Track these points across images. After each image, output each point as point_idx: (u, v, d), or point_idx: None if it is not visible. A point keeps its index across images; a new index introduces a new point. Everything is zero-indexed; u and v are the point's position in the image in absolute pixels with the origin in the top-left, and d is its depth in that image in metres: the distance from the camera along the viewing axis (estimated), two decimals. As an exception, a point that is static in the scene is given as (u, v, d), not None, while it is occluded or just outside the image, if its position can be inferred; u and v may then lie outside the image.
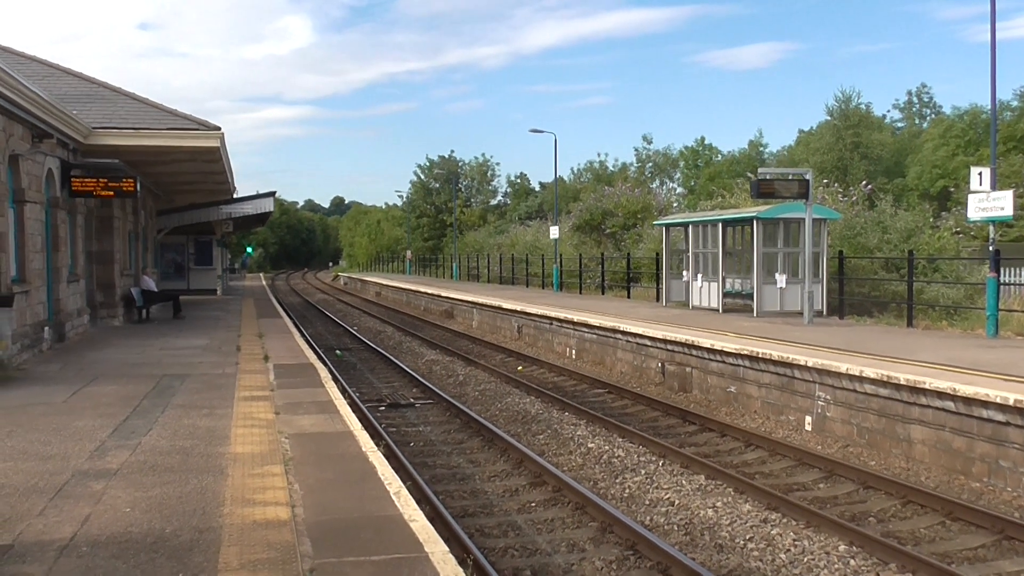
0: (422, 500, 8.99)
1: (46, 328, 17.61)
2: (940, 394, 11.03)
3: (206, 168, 25.78)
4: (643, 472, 11.34)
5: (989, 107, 17.72)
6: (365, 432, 10.09)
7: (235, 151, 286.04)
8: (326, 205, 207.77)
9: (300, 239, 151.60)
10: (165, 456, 8.62)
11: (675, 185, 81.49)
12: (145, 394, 12.31)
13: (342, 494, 7.38)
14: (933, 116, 75.91)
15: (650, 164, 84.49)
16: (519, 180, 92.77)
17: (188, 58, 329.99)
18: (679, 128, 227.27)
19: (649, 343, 18.52)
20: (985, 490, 10.27)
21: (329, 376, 14.98)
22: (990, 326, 16.44)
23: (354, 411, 12.00)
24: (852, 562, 8.10)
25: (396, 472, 8.37)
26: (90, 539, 6.17)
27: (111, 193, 20.02)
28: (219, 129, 21.11)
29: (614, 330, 20.19)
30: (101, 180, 19.58)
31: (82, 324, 21.14)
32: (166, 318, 26.44)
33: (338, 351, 24.55)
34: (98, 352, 17.54)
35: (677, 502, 10.04)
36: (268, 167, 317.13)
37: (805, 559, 8.20)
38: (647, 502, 10.12)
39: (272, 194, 44.38)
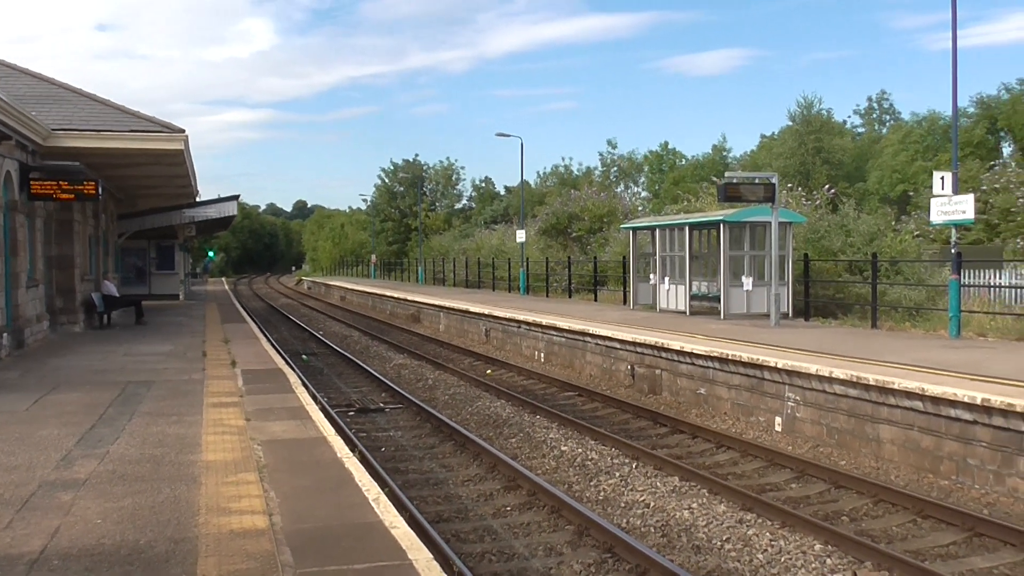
0: (397, 506, 8.90)
1: (4, 335, 17.27)
2: (908, 394, 11.14)
3: (169, 171, 25.47)
4: (617, 474, 11.34)
5: (946, 113, 18.08)
6: (339, 438, 9.99)
7: (197, 154, 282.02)
8: (289, 209, 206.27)
9: (263, 243, 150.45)
10: (135, 465, 8.46)
11: (640, 189, 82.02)
12: (110, 402, 12.09)
13: (320, 501, 7.28)
14: (892, 122, 76.94)
15: (615, 168, 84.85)
16: (484, 184, 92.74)
17: (148, 60, 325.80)
18: (643, 133, 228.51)
19: (618, 346, 18.55)
20: (954, 488, 10.38)
21: (299, 381, 14.83)
22: (953, 327, 16.66)
23: (325, 416, 11.88)
24: (828, 561, 8.15)
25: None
26: (61, 552, 6.02)
27: (71, 196, 19.69)
28: (183, 132, 20.86)
29: (583, 333, 20.20)
30: (61, 183, 19.27)
31: (41, 330, 20.77)
32: (128, 324, 26.06)
33: (305, 356, 24.35)
34: (59, 359, 17.24)
35: (653, 504, 10.04)
36: (230, 170, 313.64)
37: (782, 559, 8.23)
38: (623, 504, 10.12)
39: (235, 198, 44.02)
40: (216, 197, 43.89)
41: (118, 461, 8.62)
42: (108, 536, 6.37)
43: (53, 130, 19.75)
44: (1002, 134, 65.05)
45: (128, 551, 6.04)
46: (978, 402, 10.12)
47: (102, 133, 20.36)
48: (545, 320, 22.48)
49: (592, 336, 19.75)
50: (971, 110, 65.37)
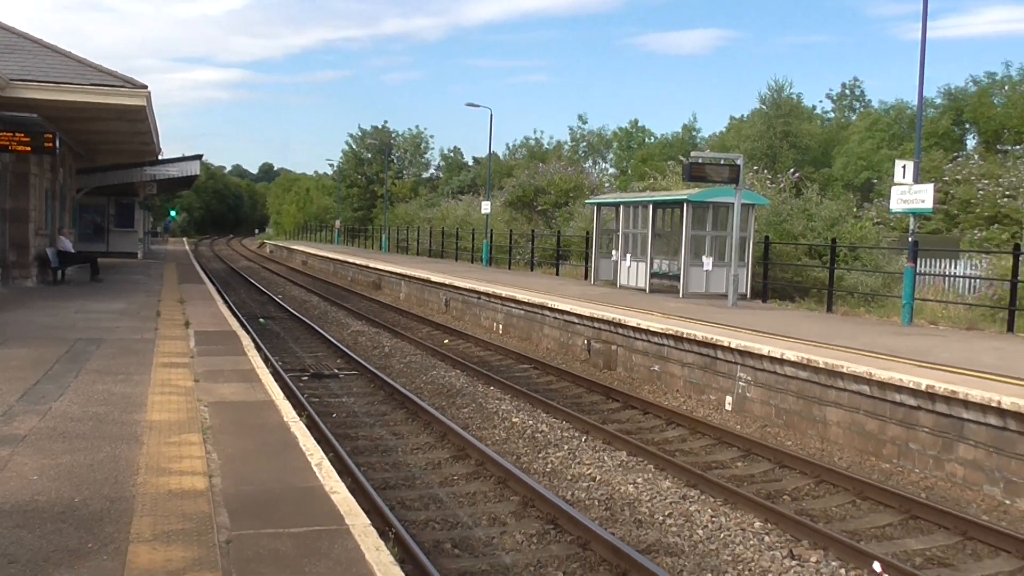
0: (344, 472, 8.89)
1: (-44, 287, 16.99)
2: (856, 378, 11.29)
3: (131, 128, 25.03)
4: (566, 447, 11.40)
5: (914, 103, 18.20)
6: (288, 402, 9.94)
7: (164, 112, 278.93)
8: (255, 171, 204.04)
9: (227, 205, 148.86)
10: (77, 423, 8.36)
11: (608, 166, 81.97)
12: (58, 358, 11.93)
13: (262, 464, 7.24)
14: (862, 109, 77.43)
15: (584, 144, 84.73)
16: (453, 154, 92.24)
17: (116, 13, 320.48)
18: (614, 109, 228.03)
19: (576, 320, 18.61)
20: (895, 471, 10.56)
21: (252, 344, 14.71)
22: (905, 314, 16.88)
23: (277, 380, 11.80)
24: (767, 538, 8.26)
25: (318, 443, 8.26)
26: (-6, 506, 5.95)
27: (28, 148, 19.34)
28: (146, 88, 20.48)
29: (542, 306, 20.24)
30: (18, 135, 18.93)
31: (-6, 284, 20.44)
32: (83, 280, 25.71)
33: (262, 319, 24.19)
34: (9, 313, 16.96)
35: (599, 478, 10.12)
36: (196, 130, 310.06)
37: (722, 535, 8.33)
38: (569, 477, 10.18)
39: (199, 157, 43.42)
40: (180, 156, 43.28)
41: (60, 418, 8.51)
42: (43, 493, 6.29)
43: (11, 80, 19.29)
44: (967, 126, 65.71)
45: (62, 508, 5.98)
46: (923, 388, 10.28)
47: (61, 85, 19.93)
48: (505, 292, 22.49)
49: (551, 310, 19.79)
50: (938, 101, 65.88)
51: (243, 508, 6.12)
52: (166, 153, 37.25)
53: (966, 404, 9.78)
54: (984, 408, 9.57)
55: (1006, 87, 62.82)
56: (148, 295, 22.17)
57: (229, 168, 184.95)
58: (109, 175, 37.72)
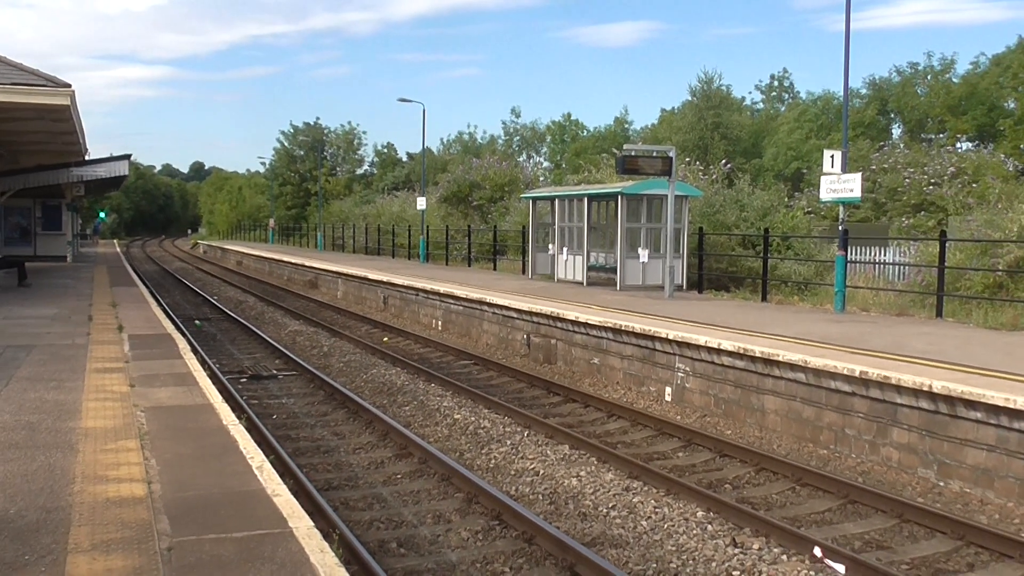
0: (285, 474, 8.80)
1: None
2: (792, 366, 11.49)
3: (54, 128, 24.35)
4: (509, 443, 11.42)
5: (841, 93, 18.58)
6: (226, 405, 9.80)
7: (88, 111, 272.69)
8: (185, 170, 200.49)
9: (157, 205, 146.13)
10: (9, 432, 8.15)
11: (542, 159, 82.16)
12: (-13, 366, 11.62)
13: (202, 469, 7.13)
14: (791, 100, 78.75)
15: (518, 138, 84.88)
16: (386, 150, 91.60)
17: (35, 8, 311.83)
18: (547, 103, 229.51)
19: (515, 315, 18.64)
20: (832, 457, 10.78)
21: (188, 347, 14.47)
22: (838, 301, 17.23)
23: (214, 383, 11.63)
24: (709, 527, 8.37)
25: (259, 446, 8.16)
26: (-76, 520, 5.77)
27: (-52, 152, 18.72)
28: (69, 86, 19.93)
29: (480, 302, 20.24)
30: (-63, 137, 18.30)
31: (-84, 291, 19.79)
32: (10, 286, 25.03)
33: (197, 321, 23.80)
34: (-66, 321, 16.46)
35: (542, 472, 10.16)
36: (124, 129, 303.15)
37: (665, 525, 8.43)
38: (512, 472, 10.21)
39: (127, 157, 42.35)
40: (107, 156, 42.29)
41: (-9, 428, 8.29)
42: (-25, 505, 6.13)
43: (-73, 80, 18.69)
44: (892, 115, 67.35)
45: (-4, 521, 5.83)
46: (856, 374, 10.50)
47: (-19, 85, 19.34)
48: (443, 288, 22.44)
49: (489, 305, 19.80)
50: (864, 91, 67.45)
51: (184, 514, 6.03)
52: (93, 153, 36.54)
53: (899, 389, 10.02)
54: (916, 392, 9.81)
55: (928, 77, 64.54)
56: (79, 299, 21.67)
57: (159, 167, 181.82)
58: (34, 176, 36.63)
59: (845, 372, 10.66)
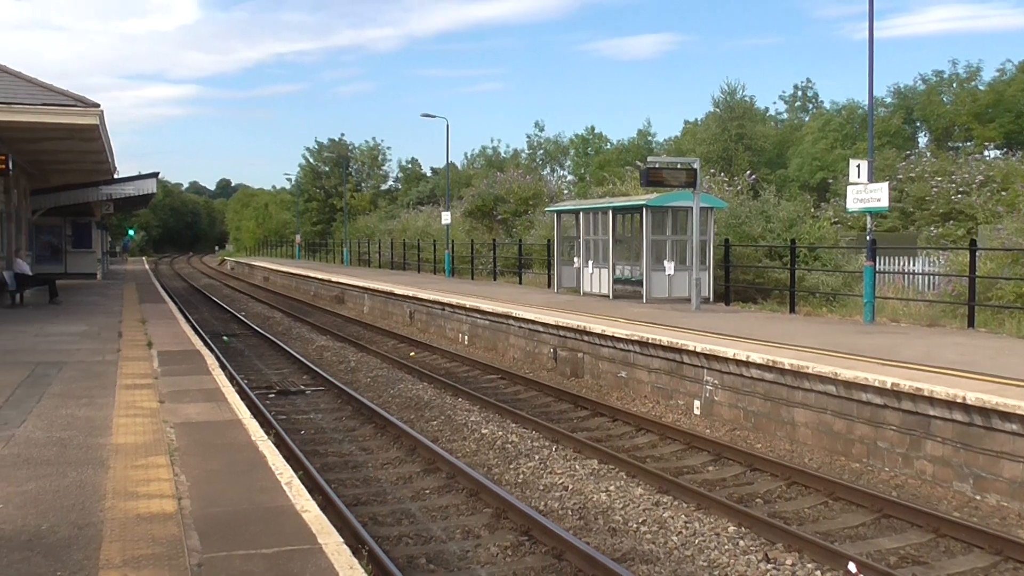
0: (314, 489, 8.79)
1: (-91, 313, 16.61)
2: (822, 378, 11.37)
3: (84, 147, 24.67)
4: (537, 457, 11.38)
5: (865, 103, 18.43)
6: (254, 420, 9.82)
7: (116, 130, 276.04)
8: (212, 187, 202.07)
9: (185, 222, 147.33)
10: (41, 448, 8.21)
11: (566, 172, 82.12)
12: (19, 383, 11.71)
13: (231, 485, 7.14)
14: (815, 110, 78.39)
15: (541, 151, 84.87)
16: (411, 165, 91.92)
17: (66, 31, 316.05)
18: (570, 116, 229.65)
19: (541, 329, 18.61)
20: (864, 470, 10.65)
21: (216, 363, 14.55)
22: (867, 313, 17.07)
23: (243, 399, 11.68)
24: (741, 543, 8.28)
25: (287, 461, 8.17)
26: (-42, 537, 5.81)
27: (-20, 171, 19.00)
28: (98, 106, 20.20)
29: (506, 316, 20.22)
30: (-31, 157, 18.57)
31: (-51, 309, 20.03)
32: (41, 303, 25.28)
33: (225, 337, 23.93)
34: (-34, 339, 16.64)
35: (571, 487, 10.10)
36: (151, 147, 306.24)
37: (696, 540, 8.35)
38: (541, 487, 10.16)
39: (155, 175, 42.86)
40: (136, 174, 42.73)
41: (23, 444, 8.35)
42: (8, 521, 6.16)
43: (-40, 102, 18.97)
44: (918, 124, 66.82)
45: (29, 536, 5.85)
46: (888, 386, 10.38)
47: (12, 106, 19.58)
48: (469, 303, 22.45)
49: (515, 319, 19.77)
50: (888, 100, 67.01)
51: (213, 530, 6.03)
52: (122, 171, 36.80)
53: (931, 401, 9.89)
54: (950, 404, 9.68)
55: (954, 84, 63.99)
56: (109, 316, 21.85)
57: (186, 185, 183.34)
58: (64, 195, 37.12)
59: (876, 384, 10.54)
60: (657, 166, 20.72)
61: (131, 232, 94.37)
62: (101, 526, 6.07)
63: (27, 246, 33.27)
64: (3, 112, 19.55)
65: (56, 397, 10.77)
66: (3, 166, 18.90)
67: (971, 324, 16.05)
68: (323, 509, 6.89)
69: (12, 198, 28.06)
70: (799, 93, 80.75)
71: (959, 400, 9.52)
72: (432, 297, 25.10)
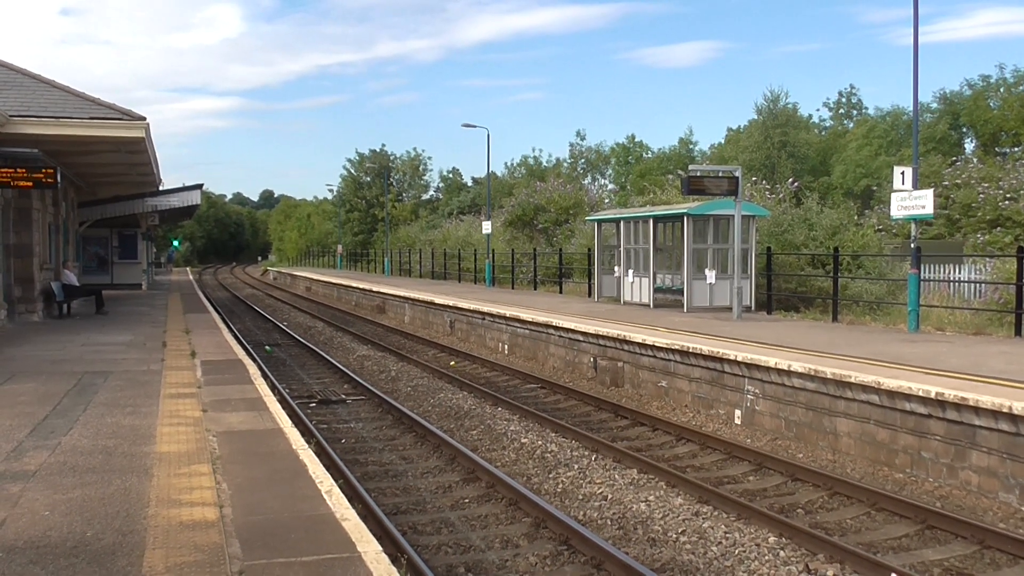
0: (354, 498, 8.86)
1: (-39, 324, 17.00)
2: (865, 388, 11.24)
3: (130, 159, 25.12)
4: (576, 467, 11.36)
5: (910, 109, 18.23)
6: (296, 429, 9.92)
7: (161, 142, 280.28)
8: (255, 198, 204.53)
9: (228, 233, 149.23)
10: (87, 456, 8.36)
11: (607, 181, 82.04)
12: (66, 392, 11.94)
13: (272, 493, 7.22)
14: (859, 116, 77.58)
15: (583, 160, 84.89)
16: (451, 175, 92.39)
17: (112, 46, 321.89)
18: (611, 124, 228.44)
19: (581, 338, 18.58)
20: (908, 481, 10.50)
21: (258, 372, 14.71)
22: (911, 321, 16.84)
23: (284, 408, 11.80)
24: (782, 553, 8.20)
25: (327, 470, 8.23)
26: (6, 545, 5.92)
27: (30, 184, 19.42)
28: (144, 119, 20.56)
29: (547, 325, 20.22)
30: (19, 170, 19.00)
31: (-1, 320, 20.46)
32: (88, 313, 25.75)
33: (267, 347, 24.18)
34: (16, 348, 16.99)
35: (610, 496, 10.07)
36: (195, 159, 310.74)
37: (736, 551, 8.28)
38: (580, 496, 10.14)
39: (199, 186, 43.60)
40: (180, 186, 43.45)
41: (70, 452, 8.51)
42: (55, 528, 6.28)
43: (11, 116, 19.38)
44: (964, 130, 65.84)
45: (74, 543, 5.96)
46: (932, 396, 10.24)
47: (61, 120, 20.01)
48: (509, 312, 22.48)
49: (556, 328, 19.77)
50: (934, 106, 66.09)
51: (255, 538, 6.10)
52: (167, 183, 37.48)
53: (977, 411, 9.74)
54: (995, 414, 9.52)
55: (1001, 89, 62.96)
56: (154, 326, 22.18)
57: (230, 196, 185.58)
58: (111, 207, 37.85)
59: (920, 394, 10.40)
60: (698, 174, 20.64)
61: (176, 243, 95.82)
62: (145, 533, 6.17)
63: (75, 257, 33.92)
64: (52, 126, 19.97)
65: (102, 406, 10.96)
66: (52, 179, 19.28)
67: (1018, 332, 15.77)
68: (363, 518, 6.93)
69: (61, 210, 28.63)
70: (843, 100, 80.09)
71: (1005, 410, 9.36)
72: (472, 307, 25.17)
